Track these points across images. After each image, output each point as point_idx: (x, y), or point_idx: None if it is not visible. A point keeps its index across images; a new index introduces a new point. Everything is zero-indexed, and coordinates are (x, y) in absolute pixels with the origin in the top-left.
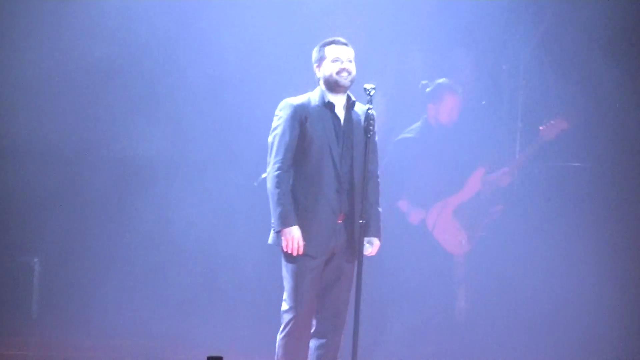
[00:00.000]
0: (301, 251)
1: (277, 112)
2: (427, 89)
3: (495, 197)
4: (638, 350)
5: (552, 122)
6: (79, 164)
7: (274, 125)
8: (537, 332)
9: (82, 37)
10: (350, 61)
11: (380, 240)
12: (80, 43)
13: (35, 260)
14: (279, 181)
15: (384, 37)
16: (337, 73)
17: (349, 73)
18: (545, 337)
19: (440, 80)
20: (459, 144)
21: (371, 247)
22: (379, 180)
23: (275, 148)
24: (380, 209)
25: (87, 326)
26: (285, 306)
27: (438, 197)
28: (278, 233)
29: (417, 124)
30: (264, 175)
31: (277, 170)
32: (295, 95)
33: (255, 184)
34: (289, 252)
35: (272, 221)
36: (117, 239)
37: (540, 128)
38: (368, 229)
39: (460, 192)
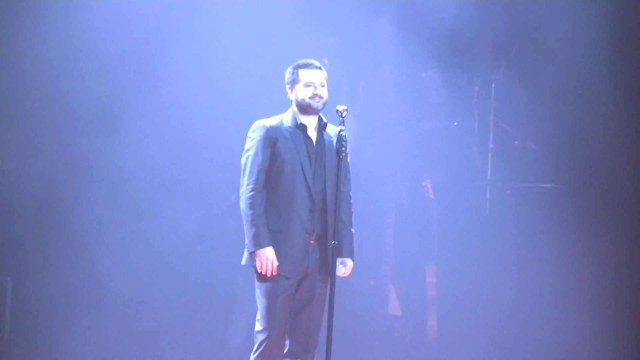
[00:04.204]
0: (275, 272)
1: (249, 133)
2: None
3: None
4: None
5: None
6: (54, 181)
7: (246, 146)
8: (507, 352)
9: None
10: (323, 85)
11: (353, 260)
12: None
13: (8, 279)
14: (253, 202)
15: (356, 58)
16: (310, 98)
17: (321, 97)
18: (516, 357)
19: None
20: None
21: (344, 267)
22: (351, 201)
23: (248, 169)
24: (353, 230)
25: (59, 347)
26: (258, 327)
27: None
28: (252, 254)
29: None
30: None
31: (250, 192)
32: (268, 116)
33: (229, 202)
34: (263, 272)
35: (246, 242)
36: (90, 259)
37: None
38: (341, 250)
39: None
